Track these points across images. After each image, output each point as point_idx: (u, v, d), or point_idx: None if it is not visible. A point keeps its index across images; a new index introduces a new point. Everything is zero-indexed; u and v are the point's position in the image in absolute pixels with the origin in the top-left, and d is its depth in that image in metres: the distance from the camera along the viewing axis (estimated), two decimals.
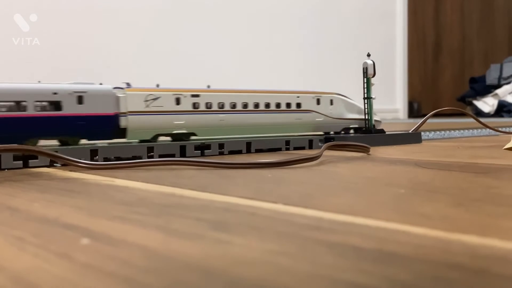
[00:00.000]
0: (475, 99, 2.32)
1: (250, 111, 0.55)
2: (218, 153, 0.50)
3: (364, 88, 0.62)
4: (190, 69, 1.55)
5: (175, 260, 0.15)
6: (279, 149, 0.55)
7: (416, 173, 0.35)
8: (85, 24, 1.44)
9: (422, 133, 0.69)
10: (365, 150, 0.48)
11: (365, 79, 0.62)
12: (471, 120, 0.83)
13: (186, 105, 0.50)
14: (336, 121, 0.61)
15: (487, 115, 2.19)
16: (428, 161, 0.42)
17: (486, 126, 0.78)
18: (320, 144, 0.57)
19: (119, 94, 0.47)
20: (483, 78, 2.37)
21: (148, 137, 0.48)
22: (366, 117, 0.62)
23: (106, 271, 0.14)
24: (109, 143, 0.46)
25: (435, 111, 0.71)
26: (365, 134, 0.62)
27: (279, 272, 0.13)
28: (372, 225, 0.19)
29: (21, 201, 0.26)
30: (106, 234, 0.18)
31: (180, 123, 0.50)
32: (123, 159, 0.44)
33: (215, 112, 0.52)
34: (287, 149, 0.56)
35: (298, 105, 0.58)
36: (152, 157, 0.46)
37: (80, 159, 0.39)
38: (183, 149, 0.48)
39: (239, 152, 0.52)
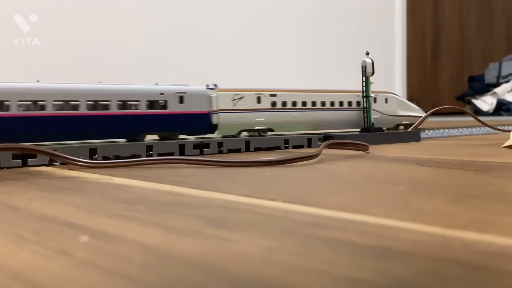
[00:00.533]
0: (474, 97, 2.33)
1: (319, 109, 0.60)
2: (217, 152, 0.50)
3: (363, 86, 0.62)
4: (190, 68, 1.54)
5: (174, 257, 0.15)
6: (278, 148, 0.55)
7: (415, 171, 0.35)
8: (85, 24, 1.44)
9: (421, 131, 0.69)
10: (364, 148, 0.48)
11: (364, 77, 0.62)
12: (470, 118, 0.83)
13: (266, 103, 0.56)
14: (391, 118, 0.66)
15: (486, 113, 2.19)
16: (427, 159, 0.42)
17: (485, 124, 0.78)
18: (319, 142, 0.57)
19: (211, 94, 0.52)
20: (482, 77, 2.37)
21: (234, 133, 0.54)
22: (365, 116, 0.62)
23: (105, 267, 0.14)
24: (108, 142, 0.46)
25: (434, 109, 0.71)
26: (364, 132, 0.62)
27: (278, 268, 0.14)
28: (371, 221, 0.19)
29: (20, 200, 0.26)
30: (105, 232, 0.18)
31: (260, 120, 0.55)
32: (122, 157, 0.44)
33: (289, 109, 0.58)
34: (286, 147, 0.56)
35: (358, 103, 0.63)
36: (151, 156, 0.46)
37: (79, 158, 0.39)
38: (182, 148, 0.48)
39: (238, 150, 0.52)
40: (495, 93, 2.25)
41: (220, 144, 0.51)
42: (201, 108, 0.51)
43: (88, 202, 0.25)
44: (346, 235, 0.17)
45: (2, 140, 0.38)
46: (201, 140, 0.50)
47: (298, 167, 0.37)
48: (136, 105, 0.47)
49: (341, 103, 0.62)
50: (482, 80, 2.35)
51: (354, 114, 0.63)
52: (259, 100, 0.56)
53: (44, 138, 0.43)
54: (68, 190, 0.29)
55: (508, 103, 2.18)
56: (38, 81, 0.44)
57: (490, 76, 2.34)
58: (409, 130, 0.66)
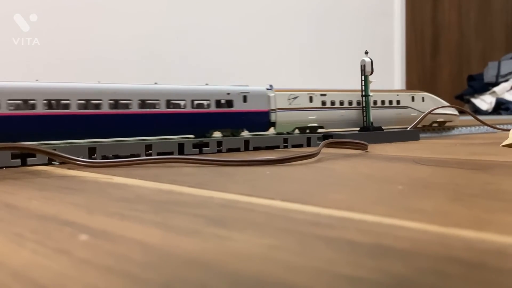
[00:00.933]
0: (473, 96, 2.33)
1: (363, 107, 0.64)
2: (216, 151, 0.50)
3: (362, 85, 0.62)
4: (189, 67, 1.54)
5: (173, 255, 0.15)
6: (278, 147, 0.55)
7: (413, 170, 0.35)
8: (85, 24, 1.44)
9: (420, 130, 0.69)
10: (363, 147, 0.48)
11: (363, 76, 0.62)
12: (469, 117, 0.83)
13: (317, 102, 0.61)
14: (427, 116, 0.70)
15: (485, 112, 2.19)
16: (426, 158, 0.42)
17: (484, 123, 0.78)
18: (318, 141, 0.57)
19: (270, 94, 0.57)
20: (481, 76, 2.37)
21: (289, 129, 0.59)
22: (364, 115, 0.62)
23: (105, 266, 0.14)
24: (107, 142, 0.46)
25: (433, 108, 0.71)
26: (363, 132, 0.62)
27: (277, 266, 0.14)
28: (370, 220, 0.19)
29: (19, 199, 0.26)
30: (104, 231, 0.18)
31: (312, 118, 0.60)
32: (122, 157, 0.44)
33: (337, 108, 0.62)
34: (285, 147, 0.56)
35: (398, 102, 0.69)
36: (150, 155, 0.46)
37: (78, 157, 0.39)
38: (181, 147, 0.48)
39: (237, 150, 0.52)
40: (494, 92, 2.25)
41: (219, 144, 0.51)
42: (262, 107, 0.56)
43: (87, 201, 0.25)
44: (346, 234, 0.17)
45: (65, 137, 0.44)
46: (200, 139, 0.50)
47: (297, 166, 0.37)
48: (207, 104, 0.52)
49: (383, 102, 0.67)
50: (481, 79, 2.35)
51: (396, 112, 0.68)
52: (311, 99, 0.60)
53: (125, 134, 0.48)
54: (68, 189, 0.29)
55: (507, 102, 2.18)
56: (98, 82, 0.47)
57: (489, 75, 2.33)
58: (408, 129, 0.66)
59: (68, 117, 0.44)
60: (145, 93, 0.48)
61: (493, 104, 2.24)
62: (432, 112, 0.70)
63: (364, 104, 0.62)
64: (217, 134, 0.54)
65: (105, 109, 0.46)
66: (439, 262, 0.14)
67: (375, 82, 0.62)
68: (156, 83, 0.50)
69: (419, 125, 0.69)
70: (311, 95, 0.60)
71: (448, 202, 0.22)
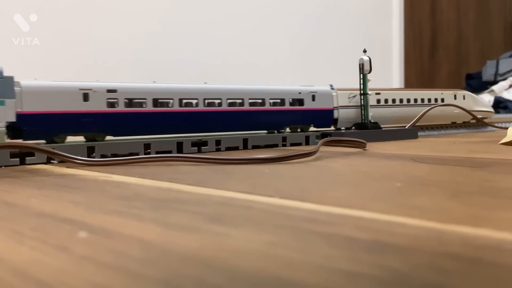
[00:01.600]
0: None
1: (413, 105, 0.71)
2: (215, 150, 0.50)
3: (360, 84, 0.62)
4: (189, 67, 1.54)
5: (172, 251, 0.15)
6: (276, 146, 0.55)
7: (412, 168, 0.35)
8: (85, 24, 1.44)
9: (419, 128, 0.69)
10: (362, 145, 0.48)
11: (361, 75, 0.62)
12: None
13: (372, 101, 0.65)
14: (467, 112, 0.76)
15: None
16: (424, 156, 0.42)
17: (482, 121, 0.78)
18: (316, 140, 0.57)
19: (333, 93, 0.62)
20: (479, 75, 2.37)
21: (348, 126, 0.64)
22: (363, 113, 0.62)
23: (104, 262, 0.14)
24: (106, 141, 0.46)
25: (431, 107, 0.71)
26: (361, 130, 0.62)
27: (275, 262, 0.14)
28: (368, 217, 0.19)
29: (18, 197, 0.26)
30: (103, 228, 0.18)
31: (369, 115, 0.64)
32: (120, 156, 0.44)
33: (390, 106, 0.68)
34: (284, 145, 0.56)
35: (442, 100, 0.75)
36: (149, 154, 0.46)
37: (77, 156, 0.39)
38: (180, 146, 0.48)
39: (236, 148, 0.52)
40: (492, 90, 2.25)
41: (218, 142, 0.51)
42: (327, 105, 0.62)
43: (86, 199, 0.25)
44: (344, 230, 0.17)
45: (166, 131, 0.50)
46: (199, 138, 0.50)
47: (295, 164, 0.37)
48: (282, 103, 0.58)
49: (429, 100, 0.73)
50: (480, 78, 2.35)
51: (440, 109, 0.74)
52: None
53: (216, 129, 0.54)
54: (66, 187, 0.29)
55: (506, 100, 2.19)
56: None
57: (487, 74, 2.34)
58: (406, 127, 0.67)
59: (170, 114, 0.50)
60: (235, 93, 0.55)
61: (491, 103, 2.24)
62: (473, 110, 0.77)
63: (362, 103, 0.62)
64: (213, 133, 0.54)
65: (201, 107, 0.52)
66: (437, 258, 0.14)
67: (373, 81, 0.62)
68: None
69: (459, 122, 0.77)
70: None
71: (446, 199, 0.22)
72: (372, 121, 0.63)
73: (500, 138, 0.52)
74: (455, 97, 0.77)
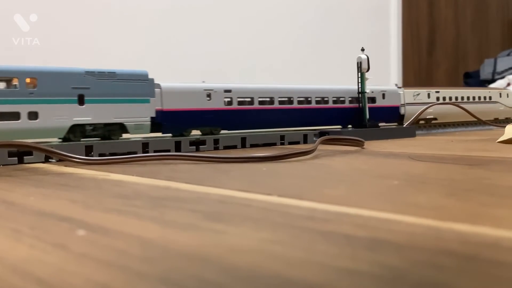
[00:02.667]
0: None
1: (467, 102, 0.78)
2: (213, 149, 0.50)
3: (358, 82, 0.62)
4: (188, 66, 1.54)
5: (170, 249, 0.15)
6: (274, 144, 0.55)
7: (409, 166, 0.35)
8: (85, 24, 1.43)
9: (417, 127, 0.70)
10: (359, 144, 0.48)
11: (359, 73, 0.62)
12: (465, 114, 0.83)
13: (433, 98, 0.74)
14: (511, 110, 0.86)
15: None
16: (421, 154, 0.42)
17: (480, 120, 0.78)
18: (314, 138, 0.57)
19: (400, 92, 0.70)
20: (477, 73, 2.37)
21: (414, 121, 0.68)
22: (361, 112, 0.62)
23: (103, 260, 0.14)
24: (104, 140, 0.46)
25: (429, 105, 0.71)
26: (359, 128, 0.62)
27: (273, 259, 0.14)
28: (365, 214, 0.19)
29: (16, 195, 0.26)
30: (101, 226, 0.18)
31: (430, 111, 0.72)
32: (118, 155, 0.44)
33: (448, 103, 0.75)
34: (282, 143, 0.56)
35: (490, 98, 0.83)
36: (147, 152, 0.46)
37: (75, 155, 0.39)
38: (178, 145, 0.48)
39: (234, 147, 0.52)
40: None
41: (216, 141, 0.51)
42: (395, 103, 0.69)
43: (84, 197, 0.25)
44: (341, 228, 0.17)
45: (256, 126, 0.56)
46: (197, 137, 0.50)
47: (293, 163, 0.37)
48: (343, 101, 0.63)
49: (479, 98, 0.81)
50: (478, 76, 2.35)
51: (487, 106, 0.82)
52: (428, 96, 0.73)
53: (305, 124, 0.60)
54: (65, 186, 0.29)
55: None
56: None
57: (485, 72, 2.34)
58: (404, 125, 0.67)
59: (273, 111, 0.57)
60: (321, 92, 0.61)
61: None
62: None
63: (360, 101, 0.62)
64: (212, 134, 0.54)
65: (296, 105, 0.59)
66: (434, 255, 0.14)
67: (371, 79, 0.62)
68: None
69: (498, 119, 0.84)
70: (429, 92, 0.73)
71: (444, 197, 0.22)
72: (432, 116, 0.72)
73: (498, 136, 0.52)
74: (500, 95, 0.85)
